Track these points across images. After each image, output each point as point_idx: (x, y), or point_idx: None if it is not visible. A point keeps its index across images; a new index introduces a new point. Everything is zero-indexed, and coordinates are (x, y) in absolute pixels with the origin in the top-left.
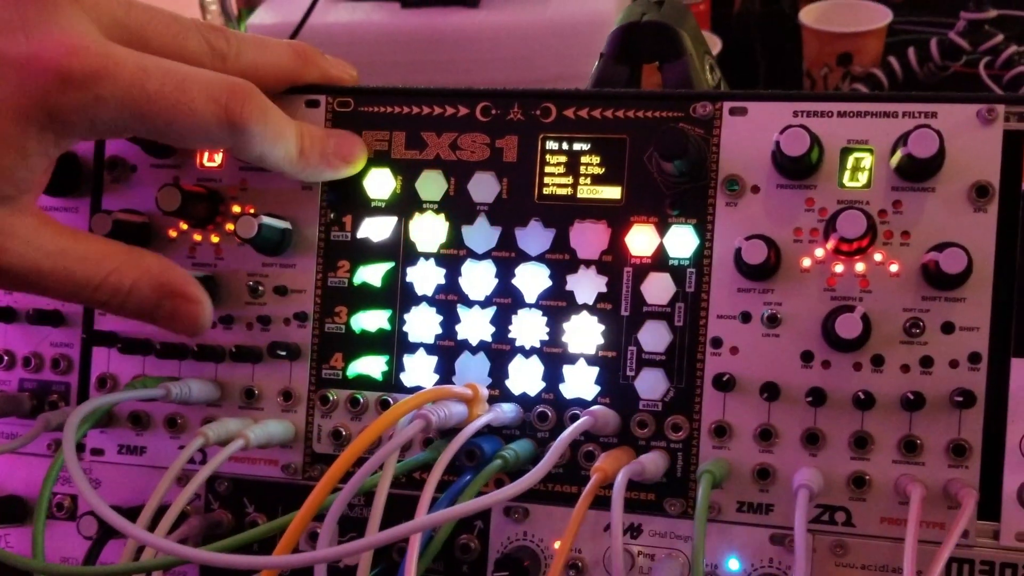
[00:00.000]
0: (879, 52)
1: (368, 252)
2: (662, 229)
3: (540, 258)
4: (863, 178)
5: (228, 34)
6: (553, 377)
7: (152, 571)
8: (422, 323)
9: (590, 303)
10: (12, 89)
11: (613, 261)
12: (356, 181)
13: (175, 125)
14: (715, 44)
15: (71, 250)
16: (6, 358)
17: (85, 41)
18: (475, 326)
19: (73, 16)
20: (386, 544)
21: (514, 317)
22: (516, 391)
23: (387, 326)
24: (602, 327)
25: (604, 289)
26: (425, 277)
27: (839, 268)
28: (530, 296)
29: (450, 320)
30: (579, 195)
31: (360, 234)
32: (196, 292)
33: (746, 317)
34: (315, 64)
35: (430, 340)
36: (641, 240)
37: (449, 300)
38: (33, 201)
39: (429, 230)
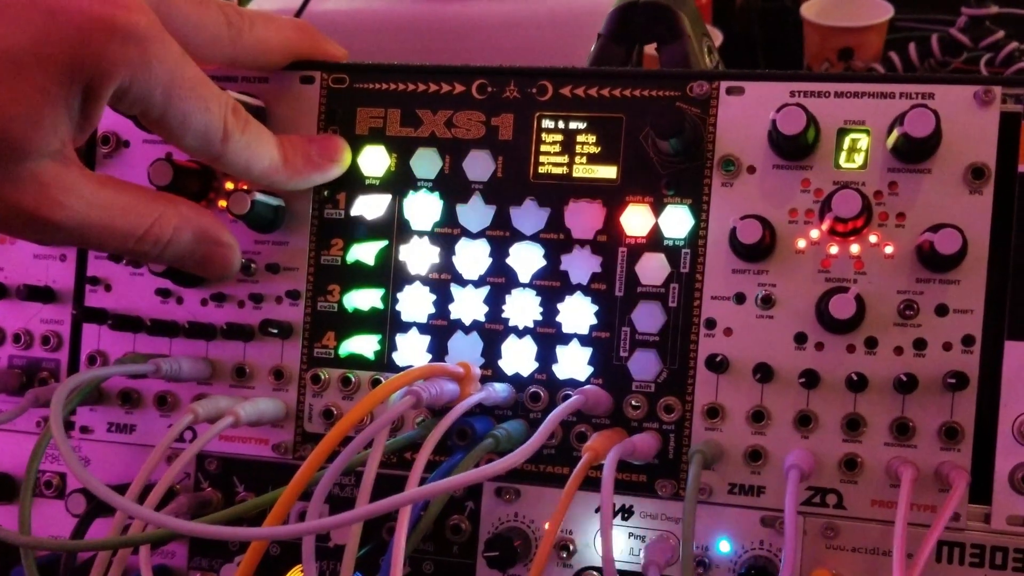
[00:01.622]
0: (880, 47)
1: (361, 230)
2: (657, 209)
3: (534, 237)
4: (859, 159)
5: (241, 9)
6: (546, 357)
7: (140, 546)
8: (415, 302)
9: (584, 283)
10: (62, 42)
11: (608, 241)
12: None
13: (188, 118)
14: (716, 37)
15: (114, 202)
16: None
17: (137, 0)
18: (468, 305)
19: None
20: (375, 516)
21: (508, 297)
22: (509, 371)
23: (380, 305)
24: (596, 307)
25: (598, 269)
26: (419, 256)
27: (834, 249)
28: (524, 276)
29: (443, 299)
30: (574, 174)
31: (354, 212)
32: (229, 237)
33: (740, 298)
34: (316, 41)
35: (423, 319)
36: (636, 220)
37: (442, 279)
38: (74, 152)
39: (423, 208)
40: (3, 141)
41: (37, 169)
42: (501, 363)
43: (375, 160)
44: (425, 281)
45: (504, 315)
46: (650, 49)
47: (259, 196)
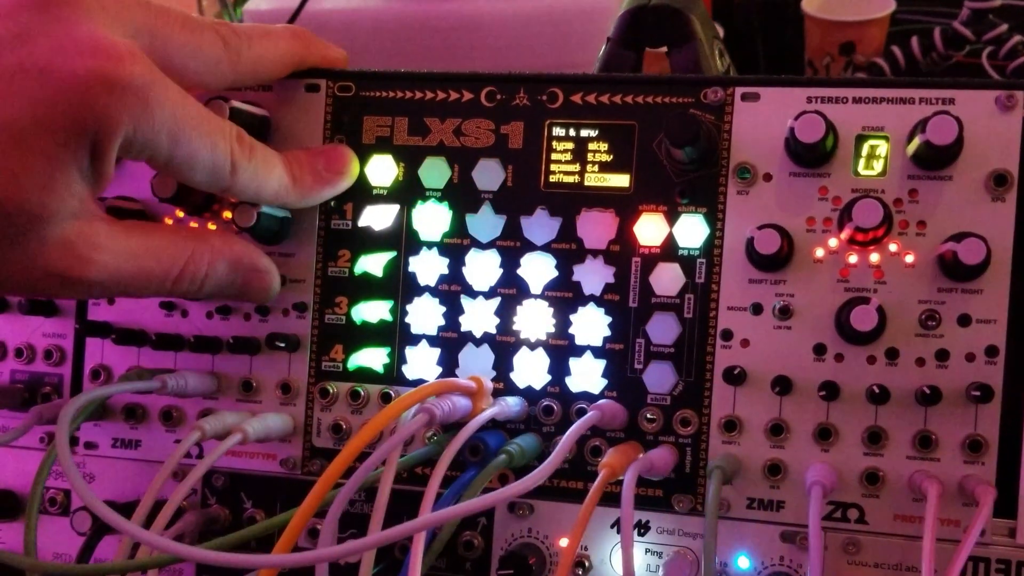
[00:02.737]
0: (882, 41)
1: (369, 241)
2: (671, 218)
3: (546, 248)
4: (878, 166)
5: (236, 28)
6: (559, 370)
7: (148, 569)
8: (425, 314)
9: (597, 294)
10: (60, 104)
11: (621, 251)
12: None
13: (196, 157)
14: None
15: (145, 248)
16: None
17: (129, 48)
18: (479, 317)
19: (104, 22)
20: (389, 543)
21: (519, 308)
22: (521, 384)
23: (389, 317)
24: (609, 319)
25: (612, 280)
26: (428, 267)
27: (853, 259)
28: (536, 287)
29: (453, 311)
30: (586, 183)
31: (361, 222)
32: (265, 263)
33: (757, 309)
34: (314, 47)
35: (433, 332)
36: (650, 229)
37: (452, 291)
38: (95, 206)
39: (432, 219)
40: (20, 212)
41: (61, 232)
42: (513, 376)
43: (382, 169)
44: (435, 293)
45: (515, 327)
46: (652, 50)
47: (265, 208)
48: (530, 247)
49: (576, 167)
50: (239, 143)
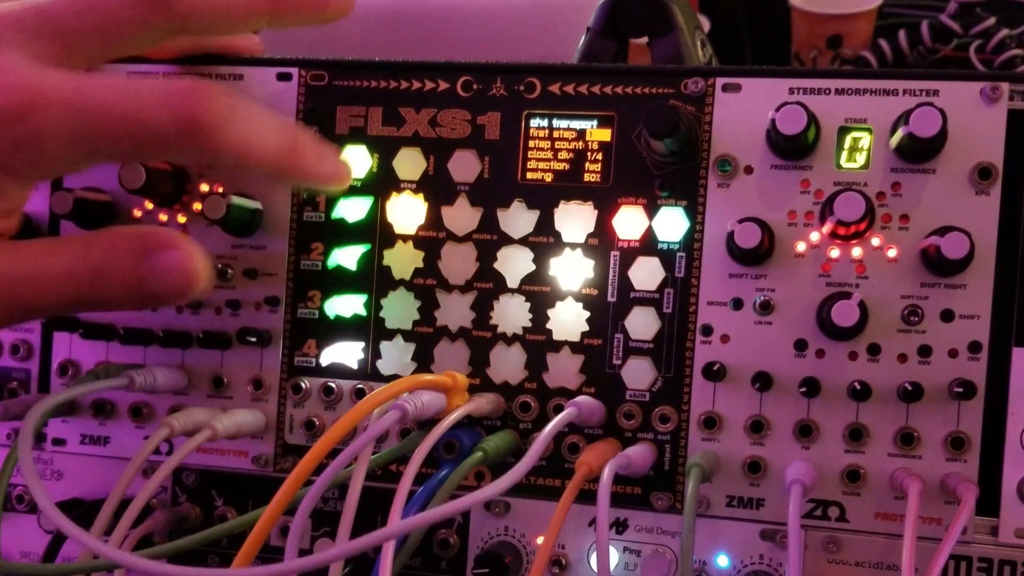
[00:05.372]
0: (869, 34)
1: (343, 234)
2: (651, 211)
3: (523, 241)
4: (861, 159)
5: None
6: (536, 365)
7: (113, 569)
8: (399, 308)
9: (575, 288)
10: None
11: (599, 244)
12: None
13: (128, 141)
14: (703, 25)
15: (37, 259)
16: None
17: (10, 74)
18: (455, 312)
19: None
20: (358, 552)
21: (496, 303)
22: (497, 380)
23: (363, 311)
24: (587, 313)
25: (590, 274)
26: (403, 260)
27: (835, 253)
28: (512, 281)
29: (429, 305)
30: (564, 175)
31: (334, 215)
32: (177, 238)
33: (738, 304)
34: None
35: (408, 326)
36: (629, 223)
37: (428, 285)
38: None
39: (407, 211)
40: None
41: None
42: (489, 371)
43: (356, 161)
44: (409, 286)
45: (492, 322)
46: (636, 39)
47: (235, 200)
48: (507, 240)
49: (554, 159)
50: (210, 100)
